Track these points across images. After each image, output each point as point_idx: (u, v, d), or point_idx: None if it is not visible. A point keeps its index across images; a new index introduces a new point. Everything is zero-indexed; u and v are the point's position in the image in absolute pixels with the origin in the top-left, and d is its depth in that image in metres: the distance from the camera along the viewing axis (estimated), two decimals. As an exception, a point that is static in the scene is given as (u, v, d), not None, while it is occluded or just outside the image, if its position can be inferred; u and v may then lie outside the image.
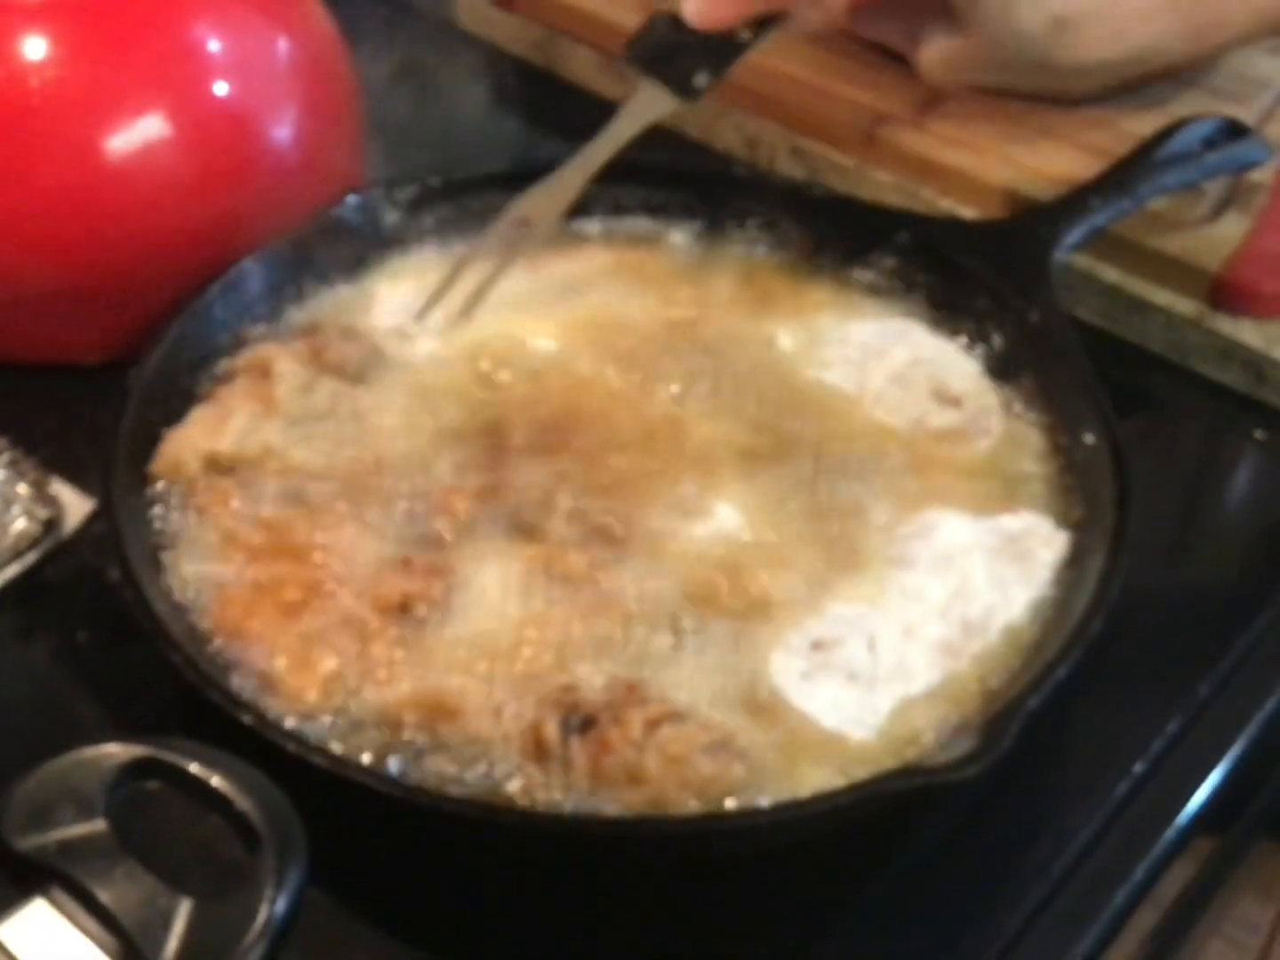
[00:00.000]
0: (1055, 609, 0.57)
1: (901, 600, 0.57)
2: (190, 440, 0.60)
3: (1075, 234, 0.69)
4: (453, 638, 0.54)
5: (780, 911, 0.53)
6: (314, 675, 0.53)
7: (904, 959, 0.53)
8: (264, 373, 0.62)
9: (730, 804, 0.50)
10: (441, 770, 0.50)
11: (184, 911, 0.41)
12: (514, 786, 0.50)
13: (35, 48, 0.65)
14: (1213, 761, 0.58)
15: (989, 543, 0.59)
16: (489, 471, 0.60)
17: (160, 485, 0.59)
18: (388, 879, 0.53)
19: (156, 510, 0.59)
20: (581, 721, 0.51)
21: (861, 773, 0.51)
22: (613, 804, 0.49)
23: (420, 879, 0.53)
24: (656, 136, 0.78)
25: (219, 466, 0.59)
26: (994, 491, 0.62)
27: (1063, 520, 0.60)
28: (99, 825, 0.43)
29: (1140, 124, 0.78)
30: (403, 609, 0.55)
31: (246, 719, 0.50)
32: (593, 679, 0.53)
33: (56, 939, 0.41)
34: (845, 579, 0.58)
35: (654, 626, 0.55)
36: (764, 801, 0.50)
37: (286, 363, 0.62)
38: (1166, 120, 0.75)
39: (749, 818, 0.50)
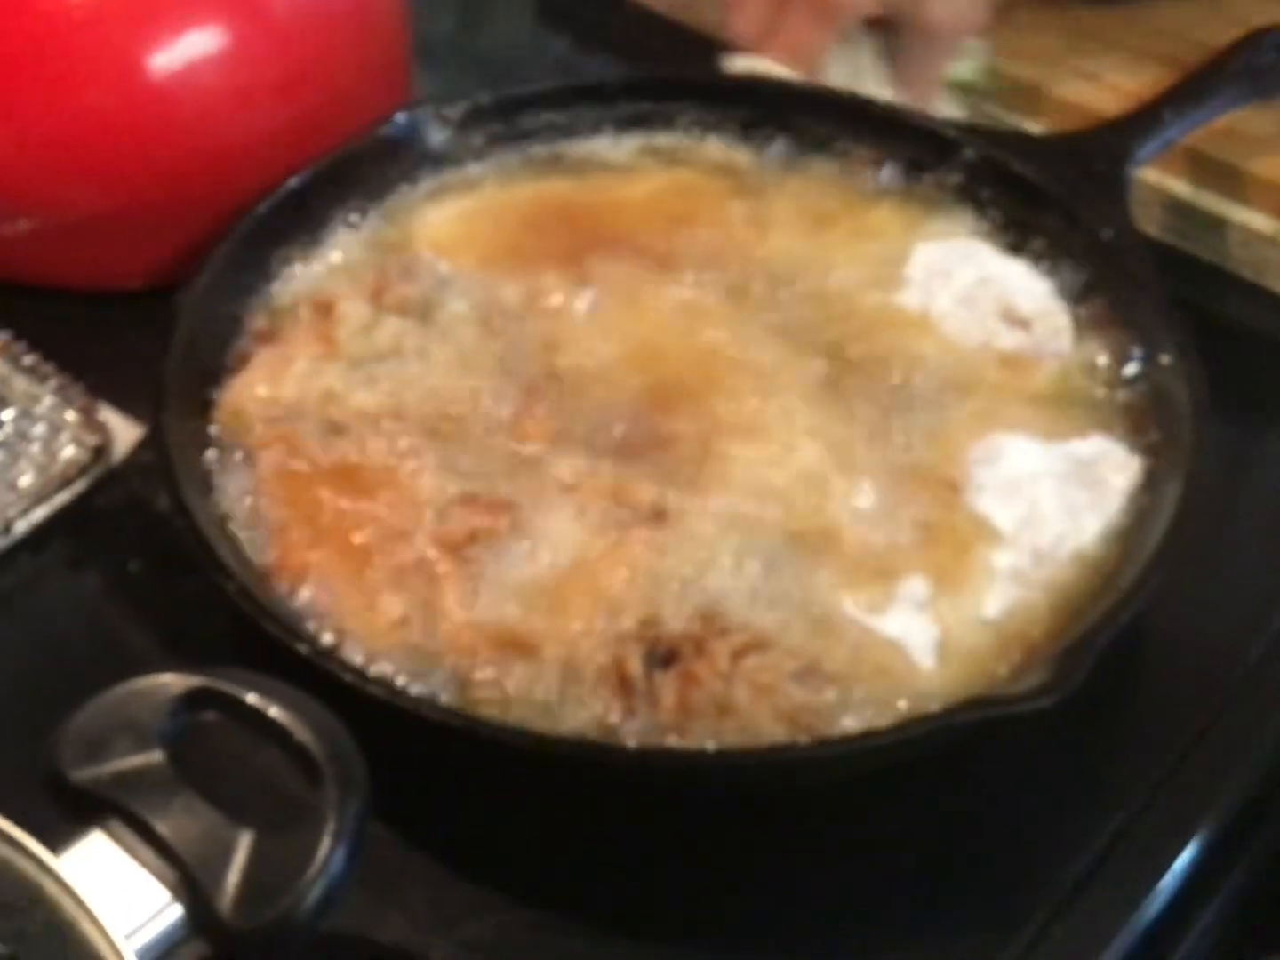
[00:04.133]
0: (1129, 536, 0.55)
1: (969, 527, 0.56)
2: (251, 387, 0.59)
3: (1148, 148, 0.67)
4: (523, 573, 0.53)
5: (842, 847, 0.52)
6: (379, 613, 0.52)
7: (974, 896, 0.52)
8: (326, 312, 0.61)
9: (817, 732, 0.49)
10: (514, 706, 0.49)
11: (244, 844, 0.40)
12: (595, 722, 0.49)
13: (75, -37, 0.63)
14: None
15: (1059, 468, 0.58)
16: (553, 404, 0.58)
17: (220, 426, 0.58)
18: (451, 814, 0.52)
19: (215, 448, 0.58)
20: (664, 655, 0.50)
21: (932, 704, 0.50)
22: (701, 737, 0.48)
23: (479, 813, 0.52)
24: (709, 52, 0.76)
25: (281, 410, 0.58)
26: (1064, 416, 0.60)
27: (1135, 445, 0.58)
28: (156, 756, 0.41)
29: (1213, 34, 0.75)
30: (469, 545, 0.53)
31: (303, 648, 0.49)
32: (670, 611, 0.51)
33: (115, 871, 0.40)
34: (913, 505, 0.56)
35: (725, 556, 0.53)
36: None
37: (349, 302, 0.61)
38: (1239, 30, 0.72)
39: (819, 749, 0.48)
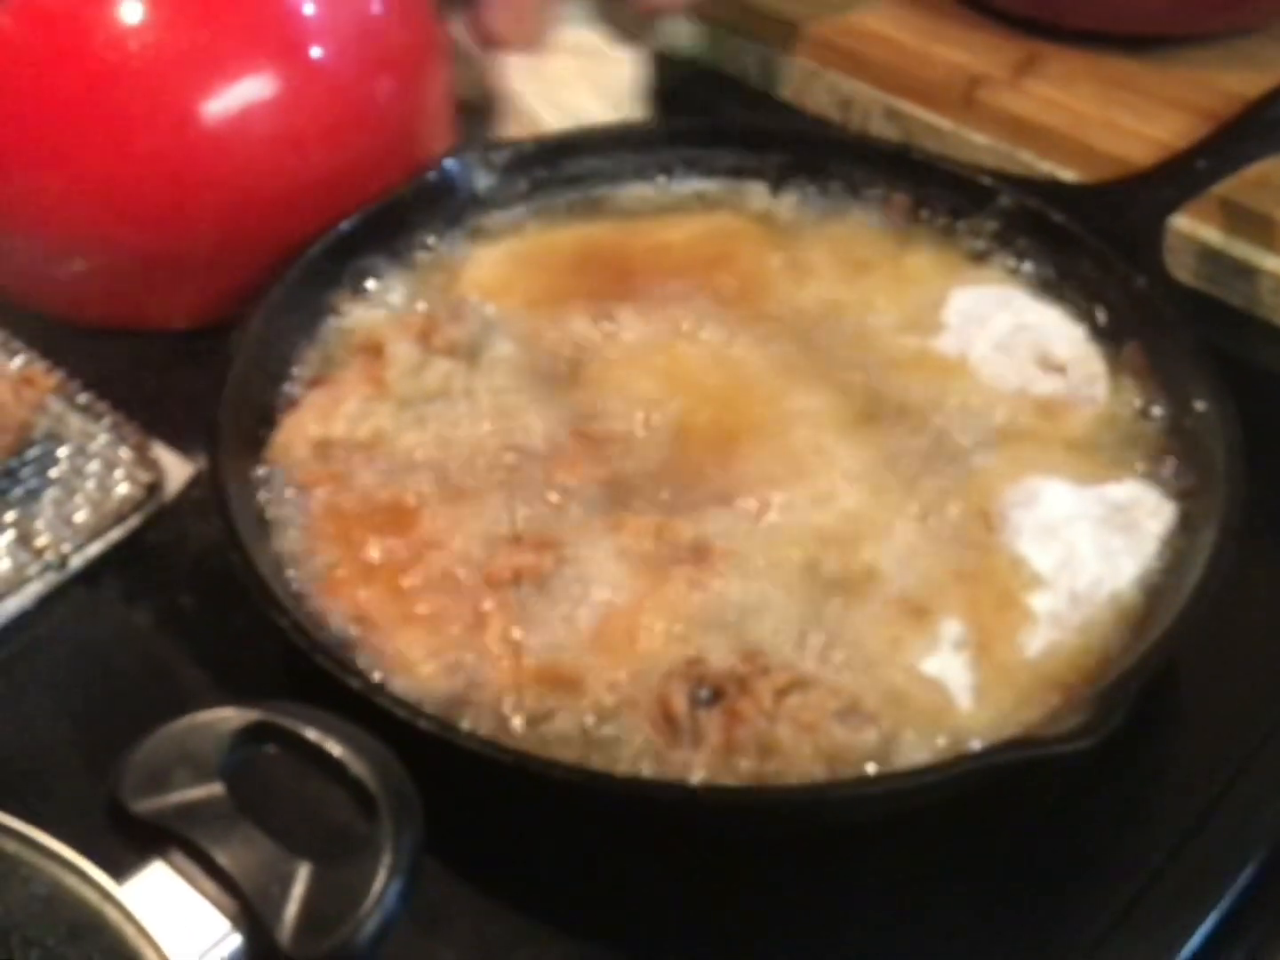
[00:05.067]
0: (1164, 579, 0.56)
1: (1006, 570, 0.57)
2: (302, 426, 0.60)
3: (1182, 197, 0.68)
4: (568, 612, 0.54)
5: (878, 884, 0.53)
6: (427, 649, 0.53)
7: (1004, 937, 0.52)
8: (376, 353, 0.62)
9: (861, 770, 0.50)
10: (560, 743, 0.50)
11: (302, 876, 0.41)
12: (639, 758, 0.50)
13: (132, 11, 0.64)
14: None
15: (1094, 512, 0.58)
16: (596, 443, 0.60)
17: (270, 465, 0.59)
18: (498, 848, 0.53)
19: (264, 489, 0.59)
20: (709, 693, 0.50)
21: (972, 744, 0.51)
22: (741, 775, 0.49)
23: (526, 847, 0.53)
24: (749, 97, 0.78)
25: (331, 449, 0.59)
26: (1099, 460, 0.61)
27: (1170, 490, 0.59)
28: (216, 789, 0.42)
29: (1244, 84, 0.76)
30: (515, 583, 0.54)
31: (355, 683, 0.50)
32: (714, 649, 0.52)
33: (176, 901, 0.41)
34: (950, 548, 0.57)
35: (767, 595, 0.54)
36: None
37: (398, 344, 0.62)
38: (1269, 81, 0.74)
39: (865, 785, 0.49)
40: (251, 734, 0.44)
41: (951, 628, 0.54)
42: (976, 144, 0.78)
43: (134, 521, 0.62)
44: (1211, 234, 0.73)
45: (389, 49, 0.72)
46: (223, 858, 0.41)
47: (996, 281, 0.67)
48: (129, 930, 0.40)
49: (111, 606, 0.61)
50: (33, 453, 0.63)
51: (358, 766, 0.43)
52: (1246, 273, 0.72)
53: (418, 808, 0.42)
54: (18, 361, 0.67)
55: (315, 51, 0.68)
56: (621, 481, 0.59)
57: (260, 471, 0.59)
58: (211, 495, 0.56)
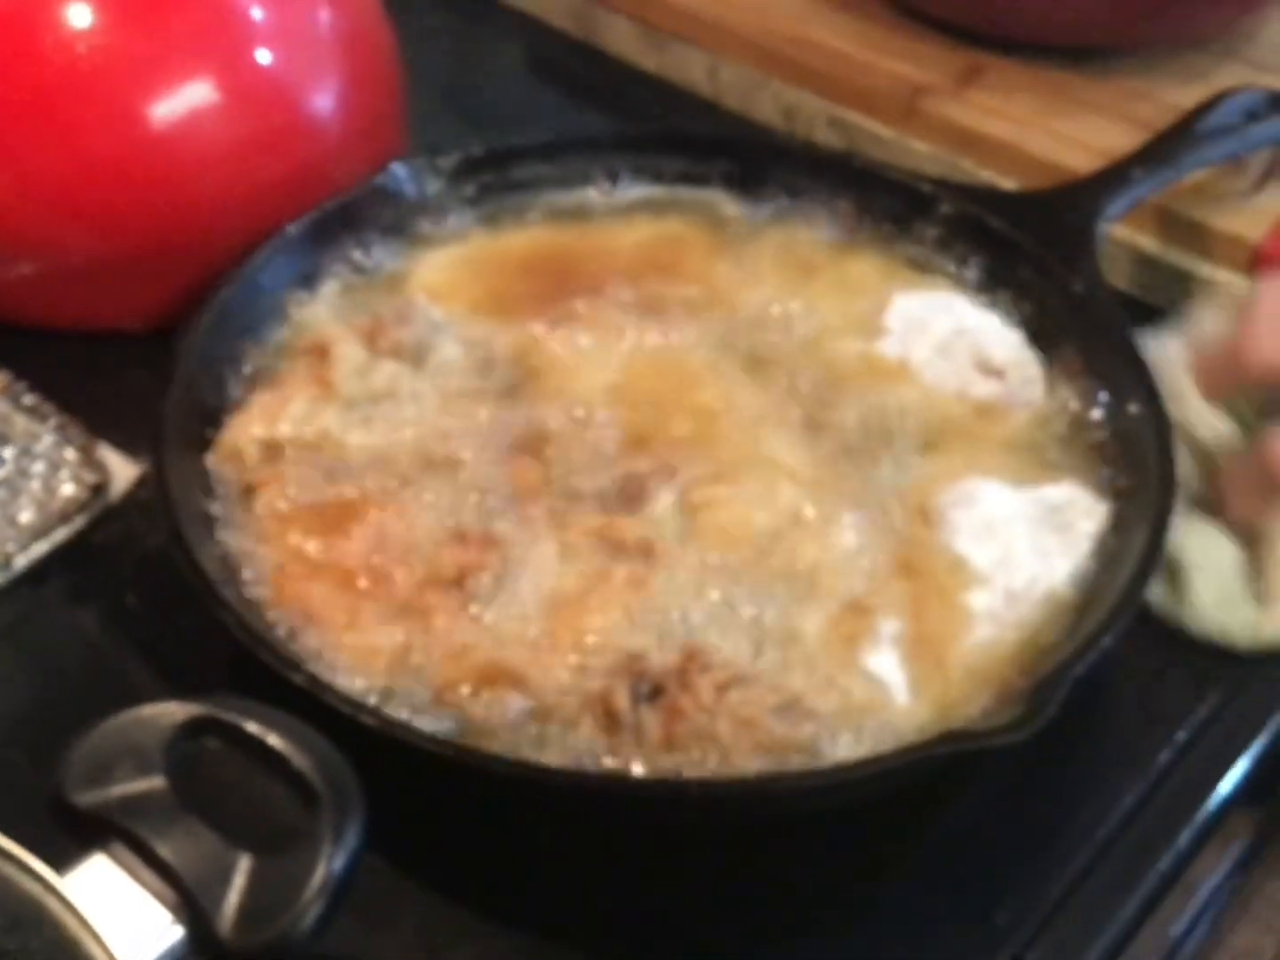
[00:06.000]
0: (1097, 578, 0.57)
1: (944, 568, 0.58)
2: (248, 427, 0.60)
3: (1117, 205, 0.69)
4: (511, 609, 0.55)
5: (820, 877, 0.54)
6: (372, 645, 0.53)
7: (945, 925, 0.53)
8: (323, 355, 0.62)
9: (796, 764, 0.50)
10: (503, 738, 0.51)
11: (243, 867, 0.41)
12: (580, 753, 0.51)
13: (80, 15, 0.65)
14: (1255, 731, 0.58)
15: (1031, 513, 0.60)
16: (541, 445, 0.60)
17: (215, 464, 0.60)
18: (440, 843, 0.53)
19: (210, 489, 0.59)
20: (650, 689, 0.51)
21: (909, 739, 0.51)
22: (684, 770, 0.50)
23: (469, 841, 0.53)
24: (694, 106, 0.78)
25: (277, 450, 0.60)
26: (1036, 461, 0.62)
27: (1104, 490, 0.60)
28: (158, 782, 0.43)
29: (1180, 95, 0.77)
30: (459, 581, 0.55)
31: (299, 679, 0.50)
32: (655, 646, 0.53)
33: (117, 892, 0.41)
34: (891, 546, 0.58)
35: (709, 594, 0.55)
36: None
37: (345, 345, 0.62)
38: (1206, 92, 0.75)
39: (802, 779, 0.50)
40: (194, 728, 0.44)
41: (890, 625, 0.55)
42: (919, 152, 0.79)
43: (80, 522, 0.62)
44: (1147, 241, 0.74)
45: (337, 54, 0.72)
46: (164, 850, 0.42)
47: (937, 287, 0.68)
48: (70, 921, 0.40)
49: (57, 606, 0.61)
50: (-23, 453, 0.63)
51: (299, 759, 0.43)
52: (1181, 279, 0.73)
53: (359, 800, 0.43)
54: (-37, 363, 0.67)
55: (263, 56, 0.69)
56: (565, 482, 0.59)
57: (206, 472, 0.59)
58: (156, 495, 0.56)
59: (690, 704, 0.50)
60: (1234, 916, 0.86)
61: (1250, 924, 1.04)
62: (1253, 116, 0.73)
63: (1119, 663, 0.57)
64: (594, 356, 0.65)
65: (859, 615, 0.55)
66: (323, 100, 0.71)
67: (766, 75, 0.83)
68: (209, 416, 0.61)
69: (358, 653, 0.53)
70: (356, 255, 0.69)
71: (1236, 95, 0.73)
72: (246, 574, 0.56)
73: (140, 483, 0.64)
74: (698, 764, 0.50)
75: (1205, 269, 0.73)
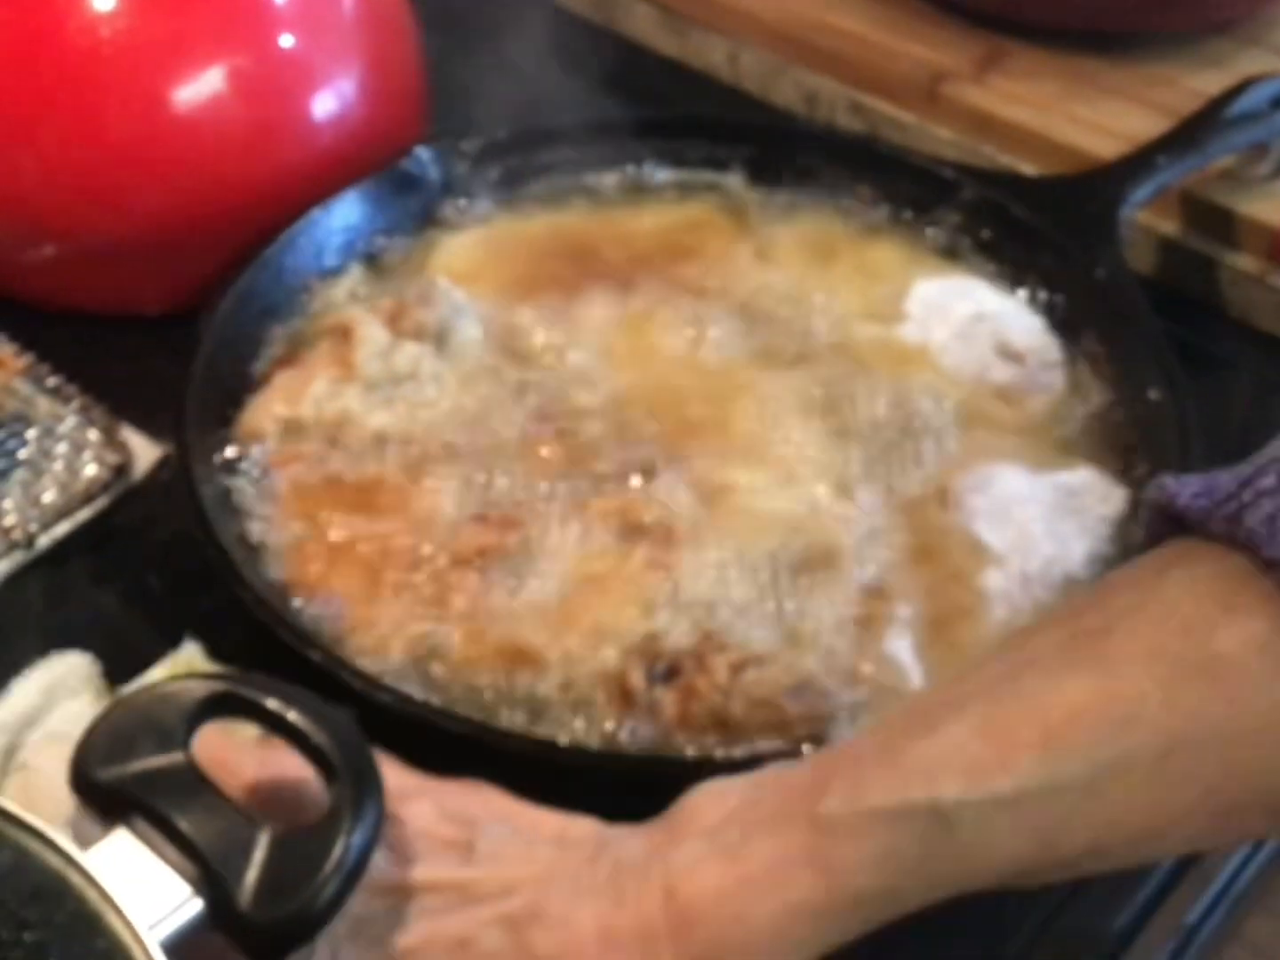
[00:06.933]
0: (1114, 562, 0.57)
1: (961, 551, 0.58)
2: (270, 407, 0.60)
3: (1142, 191, 0.69)
4: (530, 588, 0.55)
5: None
6: (391, 624, 0.53)
7: (954, 907, 0.53)
8: (345, 336, 0.63)
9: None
10: (520, 716, 0.51)
11: (263, 842, 0.42)
12: (596, 731, 0.51)
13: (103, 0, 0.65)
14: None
15: (1048, 497, 0.60)
16: (562, 426, 0.60)
17: (238, 445, 0.60)
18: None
19: (233, 467, 0.59)
20: (666, 670, 0.51)
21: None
22: (699, 748, 0.50)
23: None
24: (714, 92, 0.78)
25: (298, 430, 0.60)
26: (1053, 446, 0.62)
27: (1121, 476, 0.60)
28: (179, 758, 0.43)
29: (1204, 82, 0.77)
30: (479, 560, 0.55)
31: (318, 657, 0.51)
32: (672, 627, 0.53)
33: (139, 867, 0.42)
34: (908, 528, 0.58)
35: (727, 575, 0.55)
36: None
37: (367, 326, 0.63)
38: (1230, 79, 0.75)
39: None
40: (215, 704, 0.45)
41: (906, 608, 0.55)
42: (940, 138, 0.79)
43: (102, 503, 0.63)
44: (1170, 227, 0.74)
45: (360, 38, 0.72)
46: (184, 824, 0.42)
47: (958, 272, 0.68)
48: (92, 895, 0.40)
49: (79, 586, 0.61)
50: (0, 434, 0.64)
51: (318, 735, 0.43)
52: (1204, 266, 0.73)
53: (377, 774, 0.43)
54: (-13, 344, 0.68)
55: (286, 40, 0.69)
56: (586, 463, 0.59)
57: (228, 452, 0.60)
58: (178, 476, 0.56)
59: (705, 684, 0.51)
60: (1249, 909, 0.85)
61: (1266, 917, 1.03)
62: (1278, 103, 0.73)
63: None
64: (615, 340, 0.65)
65: (876, 598, 0.55)
66: (345, 84, 0.71)
67: (787, 61, 0.83)
68: (231, 397, 0.62)
69: (377, 631, 0.53)
70: (379, 238, 0.69)
71: (1263, 82, 0.73)
72: (267, 553, 0.56)
73: (162, 463, 0.64)
74: (712, 744, 0.50)
75: (1228, 255, 0.73)
